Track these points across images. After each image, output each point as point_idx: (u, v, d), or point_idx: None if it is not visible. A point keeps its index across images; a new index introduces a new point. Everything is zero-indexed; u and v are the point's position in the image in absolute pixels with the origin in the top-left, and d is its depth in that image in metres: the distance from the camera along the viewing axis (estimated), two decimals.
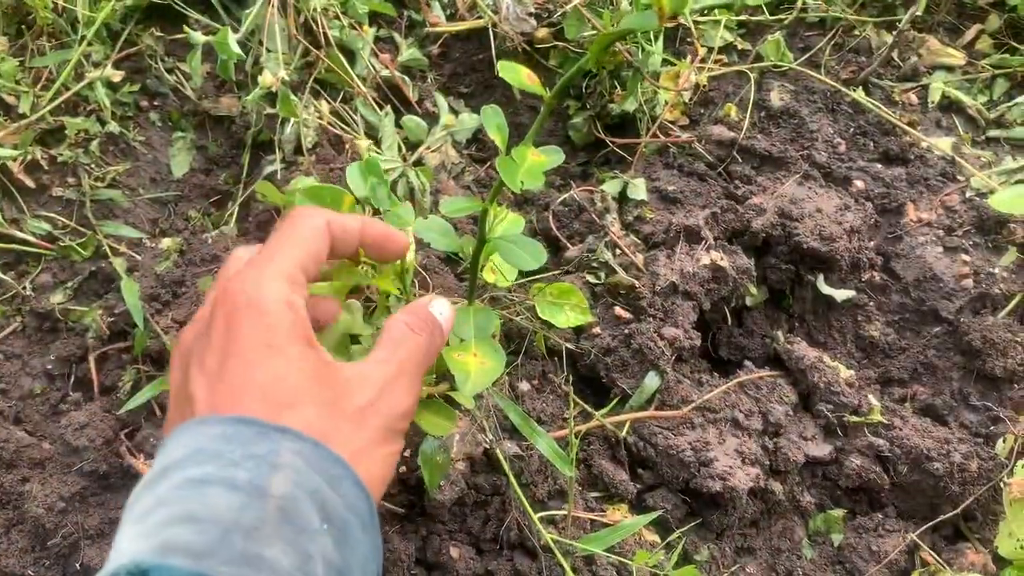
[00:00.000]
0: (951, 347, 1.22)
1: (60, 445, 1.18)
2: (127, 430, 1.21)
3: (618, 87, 1.43)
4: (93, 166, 1.39)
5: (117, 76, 1.41)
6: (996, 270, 1.25)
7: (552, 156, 0.81)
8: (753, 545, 1.11)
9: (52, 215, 1.36)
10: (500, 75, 0.78)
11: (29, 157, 1.35)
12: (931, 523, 1.07)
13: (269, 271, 0.54)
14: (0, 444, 1.18)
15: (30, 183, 1.36)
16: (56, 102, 1.37)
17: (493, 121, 0.80)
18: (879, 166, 1.36)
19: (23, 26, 1.41)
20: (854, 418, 1.13)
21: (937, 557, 1.05)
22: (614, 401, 1.11)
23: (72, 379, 1.29)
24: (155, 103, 1.46)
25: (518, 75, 0.78)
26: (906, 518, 1.11)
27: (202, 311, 0.57)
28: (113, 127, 1.40)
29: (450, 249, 0.86)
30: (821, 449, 1.12)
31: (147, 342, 1.22)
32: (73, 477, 1.15)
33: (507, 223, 0.90)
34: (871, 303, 1.28)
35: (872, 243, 1.28)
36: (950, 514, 1.07)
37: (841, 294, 1.27)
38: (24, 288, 1.33)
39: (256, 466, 0.46)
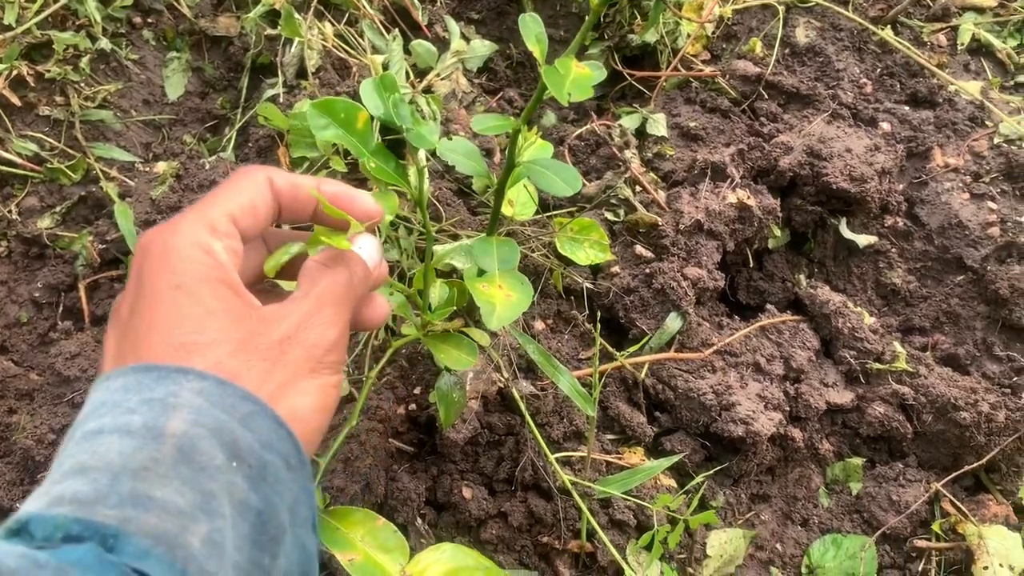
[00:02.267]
0: (975, 296, 1.19)
1: (50, 375, 1.13)
2: None
3: (639, 17, 1.36)
4: (83, 84, 1.32)
5: None
6: None
7: (597, 71, 0.75)
8: (768, 492, 1.09)
9: (39, 135, 1.29)
10: None
11: (15, 72, 1.27)
12: (955, 474, 1.04)
13: (189, 218, 0.50)
14: None
15: (15, 100, 1.28)
16: (43, 14, 1.29)
17: (532, 31, 0.75)
18: (906, 108, 1.31)
19: None
20: (878, 365, 1.09)
21: (960, 506, 1.03)
22: (639, 342, 1.07)
23: (61, 308, 1.24)
24: (149, 20, 1.38)
25: None
26: (927, 468, 1.09)
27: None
28: (104, 44, 1.32)
29: (476, 173, 0.81)
30: (842, 396, 1.09)
31: None
32: (64, 408, 1.10)
33: (536, 148, 0.85)
34: (893, 249, 1.24)
35: (900, 186, 1.24)
36: (974, 465, 1.04)
37: (863, 239, 1.22)
38: (10, 212, 1.26)
39: (150, 409, 0.43)
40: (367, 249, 0.60)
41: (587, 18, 0.70)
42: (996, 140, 1.29)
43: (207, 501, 0.41)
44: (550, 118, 1.39)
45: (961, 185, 1.25)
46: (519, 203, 1.04)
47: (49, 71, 1.29)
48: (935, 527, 1.04)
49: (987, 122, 1.31)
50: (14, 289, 1.24)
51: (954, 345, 1.17)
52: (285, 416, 0.47)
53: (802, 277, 1.19)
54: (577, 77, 0.69)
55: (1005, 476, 1.08)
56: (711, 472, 1.01)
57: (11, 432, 1.10)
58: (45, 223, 1.25)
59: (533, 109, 0.75)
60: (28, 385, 1.15)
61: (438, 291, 0.91)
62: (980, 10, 1.43)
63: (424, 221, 0.78)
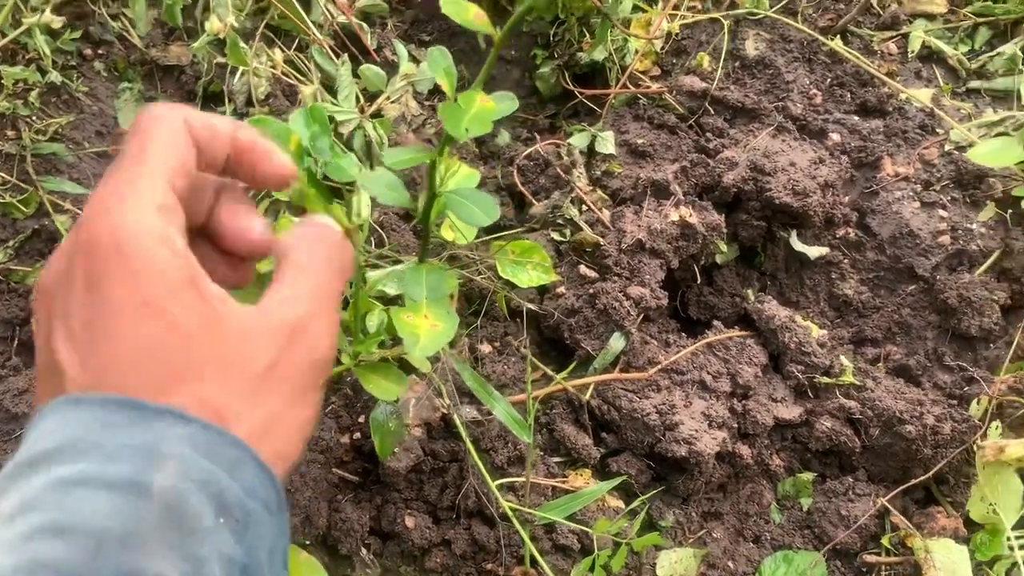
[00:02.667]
0: (926, 305, 1.19)
1: None
2: None
3: (587, 35, 1.36)
4: (34, 118, 1.32)
5: (57, 22, 1.32)
6: (974, 226, 1.22)
7: (504, 103, 0.75)
8: (720, 510, 1.09)
9: None
10: (443, 11, 0.71)
11: None
12: (901, 488, 1.04)
13: (132, 200, 0.42)
14: None
15: None
16: None
17: (440, 65, 0.75)
18: (856, 118, 1.31)
19: None
20: (825, 379, 1.09)
21: (907, 521, 1.02)
22: (574, 364, 1.07)
23: (16, 342, 1.24)
24: (99, 52, 1.39)
25: (464, 11, 0.71)
26: (877, 481, 1.08)
27: (64, 244, 0.45)
28: (54, 77, 1.33)
29: (398, 204, 0.81)
30: (791, 411, 1.09)
31: None
32: (12, 445, 1.10)
33: (461, 177, 0.84)
34: (845, 260, 1.24)
35: (847, 198, 1.24)
36: (921, 478, 1.04)
37: (814, 251, 1.22)
38: None
39: (134, 457, 0.38)
40: (325, 219, 0.53)
41: (491, 52, 0.70)
42: (947, 147, 1.29)
43: (198, 568, 0.37)
44: (504, 137, 1.39)
45: (912, 194, 1.25)
46: (460, 227, 1.04)
47: None
48: (884, 541, 1.04)
49: (938, 129, 1.31)
50: None
51: (906, 356, 1.17)
52: (269, 456, 0.43)
53: (750, 292, 1.19)
54: (480, 111, 0.68)
55: (954, 488, 1.07)
56: (650, 495, 1.01)
57: None
58: None
59: (447, 142, 0.75)
60: None
61: (376, 318, 0.91)
62: (930, 17, 1.43)
63: (355, 245, 0.78)
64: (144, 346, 0.41)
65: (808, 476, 1.09)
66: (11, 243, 1.27)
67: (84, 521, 0.36)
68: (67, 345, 0.42)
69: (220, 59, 1.33)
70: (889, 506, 1.04)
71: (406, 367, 0.99)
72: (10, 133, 1.32)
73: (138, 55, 1.38)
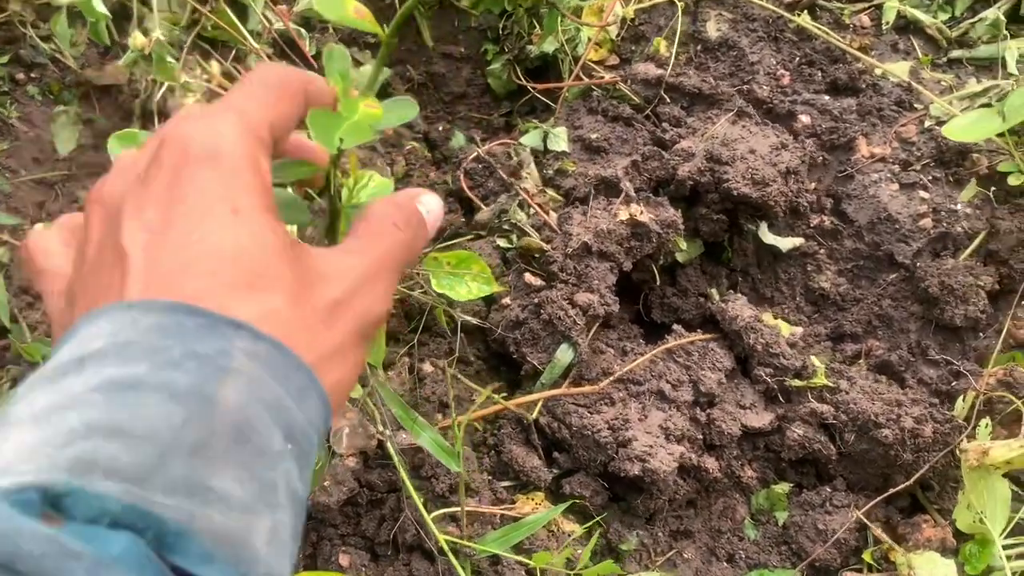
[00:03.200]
0: (908, 295, 1.10)
1: None
2: None
3: (537, 26, 1.29)
4: None
5: None
6: (957, 207, 1.13)
7: (400, 110, 0.67)
8: (690, 527, 1.01)
9: None
10: (317, 9, 0.64)
11: None
12: (880, 497, 0.96)
13: (229, 119, 0.41)
14: None
15: None
16: None
17: (336, 67, 0.67)
18: (827, 98, 1.22)
19: None
20: (796, 382, 1.01)
21: (886, 536, 0.94)
22: (533, 378, 1.00)
23: None
24: (32, 75, 1.34)
25: (341, 9, 0.64)
26: (856, 490, 1.00)
27: (129, 160, 0.44)
28: None
29: (296, 224, 0.74)
30: (761, 418, 1.01)
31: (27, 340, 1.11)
32: None
33: (374, 188, 0.76)
34: (821, 250, 1.16)
35: (818, 183, 1.16)
36: (902, 486, 0.95)
37: (786, 242, 1.14)
38: None
39: (199, 368, 0.35)
40: (434, 211, 0.52)
41: (380, 51, 0.63)
42: (926, 123, 1.20)
43: (269, 492, 0.34)
44: (458, 139, 1.32)
45: (889, 175, 1.16)
46: None
47: None
48: (866, 556, 0.95)
49: (916, 105, 1.22)
50: None
51: (888, 350, 1.08)
52: (329, 388, 0.41)
53: (715, 291, 1.11)
54: (363, 119, 0.60)
55: (941, 494, 0.99)
56: (591, 523, 0.93)
57: None
58: None
59: (338, 157, 0.68)
60: None
61: None
62: None
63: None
64: (223, 247, 0.38)
65: (783, 488, 1.01)
66: None
67: (145, 425, 0.33)
68: (138, 233, 0.39)
69: (154, 74, 1.27)
70: (866, 521, 0.95)
71: None
72: None
73: (73, 76, 1.33)
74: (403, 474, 0.88)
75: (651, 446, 0.92)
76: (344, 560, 0.90)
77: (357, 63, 1.31)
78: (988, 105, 1.17)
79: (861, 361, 1.09)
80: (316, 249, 0.44)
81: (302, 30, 1.30)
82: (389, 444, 0.90)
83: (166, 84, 1.19)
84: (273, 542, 0.33)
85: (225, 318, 0.36)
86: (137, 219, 0.39)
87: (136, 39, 1.17)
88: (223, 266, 0.38)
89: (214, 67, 1.27)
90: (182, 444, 0.32)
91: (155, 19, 1.23)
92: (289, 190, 0.75)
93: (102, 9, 1.17)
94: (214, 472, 0.33)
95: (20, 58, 1.32)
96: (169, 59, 1.19)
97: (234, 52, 1.29)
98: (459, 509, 0.91)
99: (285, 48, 1.30)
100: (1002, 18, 1.27)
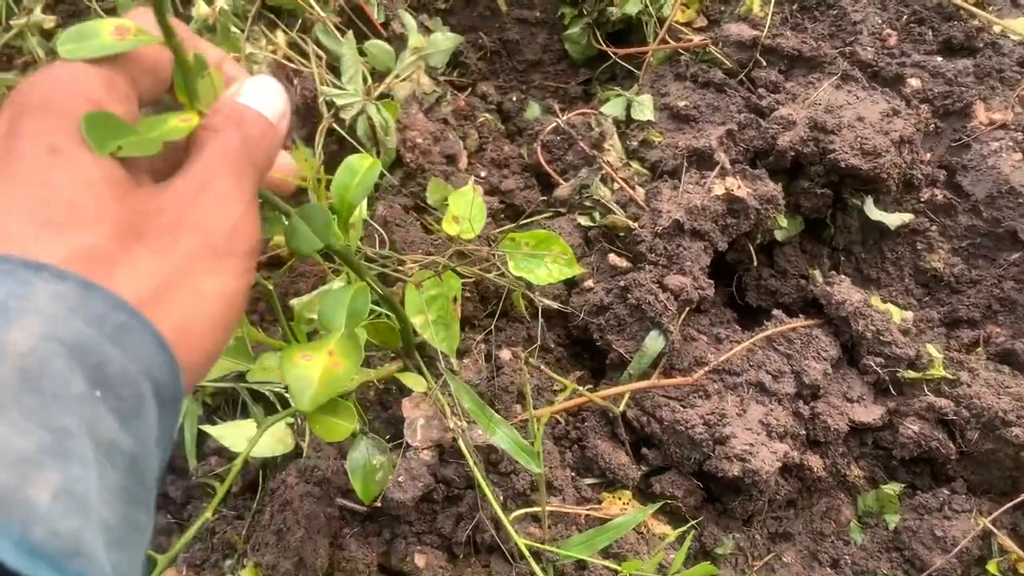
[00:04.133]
0: None
1: None
2: None
3: None
4: None
5: (50, 22, 1.24)
6: None
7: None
8: (790, 529, 0.93)
9: None
10: None
11: None
12: (1012, 503, 0.86)
13: (81, 67, 0.40)
14: None
15: None
16: None
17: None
18: (939, 59, 1.11)
19: None
20: (910, 373, 0.92)
21: (1015, 546, 0.85)
22: (619, 368, 0.92)
23: None
24: None
25: None
26: (979, 494, 0.91)
27: None
28: None
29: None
30: (870, 413, 0.92)
31: None
32: None
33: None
34: (933, 227, 1.05)
35: (931, 155, 1.05)
36: None
37: (894, 219, 1.04)
38: None
39: None
40: (263, 96, 0.47)
41: None
42: None
43: (60, 441, 0.31)
44: (533, 110, 1.24)
45: (1011, 144, 1.05)
46: (465, 219, 0.90)
47: None
48: (991, 567, 0.86)
49: None
50: None
51: (1011, 338, 0.98)
52: (173, 328, 0.38)
53: (817, 272, 1.02)
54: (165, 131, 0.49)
55: None
56: (685, 527, 0.86)
57: None
58: None
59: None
60: None
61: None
62: None
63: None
64: (37, 187, 0.37)
65: (894, 488, 0.92)
66: None
67: None
68: None
69: (218, 45, 1.22)
70: (993, 528, 0.86)
71: (411, 381, 0.87)
72: None
73: None
74: (478, 474, 0.82)
75: (752, 444, 0.84)
76: (420, 561, 0.84)
77: (427, 30, 1.24)
78: None
79: (980, 349, 0.99)
80: (150, 184, 0.42)
81: None
82: (461, 441, 0.84)
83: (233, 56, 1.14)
84: (63, 498, 0.30)
85: (26, 261, 0.34)
86: None
87: (200, 9, 1.12)
88: (34, 207, 0.36)
89: (279, 37, 1.21)
90: None
91: None
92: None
93: None
94: None
95: None
96: (234, 30, 1.13)
97: (300, 21, 1.23)
98: (540, 509, 0.84)
99: (352, 16, 1.24)
100: None
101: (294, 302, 0.87)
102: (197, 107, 0.45)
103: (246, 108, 0.45)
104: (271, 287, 0.61)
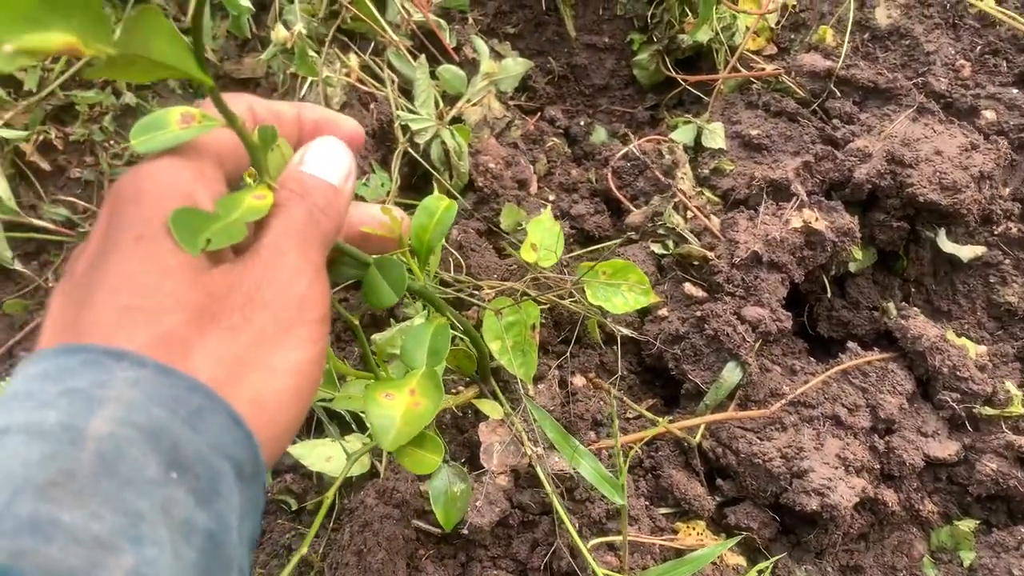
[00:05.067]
0: None
1: None
2: None
3: (689, 14, 1.21)
4: (110, 143, 1.28)
5: None
6: None
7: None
8: (861, 563, 0.92)
9: (71, 199, 1.26)
10: None
11: (41, 137, 1.25)
12: None
13: (171, 160, 0.43)
14: None
15: (45, 165, 1.26)
16: (65, 75, 1.25)
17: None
18: (1015, 91, 1.10)
19: None
20: (987, 410, 0.91)
21: None
22: (694, 398, 0.93)
23: None
24: None
25: None
26: None
27: None
28: (129, 98, 1.28)
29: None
30: (946, 448, 0.91)
31: None
32: None
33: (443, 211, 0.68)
34: (1007, 261, 1.05)
35: (1008, 189, 1.05)
36: None
37: (968, 251, 1.04)
38: (46, 280, 1.24)
39: (71, 403, 0.35)
40: (326, 162, 0.49)
41: None
42: None
43: (134, 525, 0.33)
44: (599, 135, 1.26)
45: None
46: (543, 247, 0.91)
47: (75, 132, 1.26)
48: None
49: None
50: None
51: None
52: (248, 404, 0.39)
53: (891, 305, 1.02)
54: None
55: None
56: (765, 564, 0.86)
57: None
58: None
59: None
60: None
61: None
62: None
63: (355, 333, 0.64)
64: (121, 274, 0.39)
65: (969, 525, 0.92)
66: None
67: (2, 469, 0.32)
68: (58, 293, 0.41)
69: (294, 68, 1.25)
70: None
71: (487, 408, 0.88)
72: (88, 159, 1.28)
73: (212, 69, 1.32)
74: (556, 502, 0.83)
75: (830, 478, 0.85)
76: None
77: (498, 55, 1.25)
78: None
79: None
80: (231, 258, 0.43)
81: (442, 21, 1.25)
82: (539, 468, 0.85)
83: (309, 79, 1.16)
84: None
85: (108, 349, 0.36)
86: (68, 276, 0.41)
87: (279, 32, 1.15)
88: (117, 295, 0.38)
89: (352, 60, 1.23)
90: (33, 481, 0.32)
91: (295, 11, 1.20)
92: None
93: (245, 2, 1.16)
94: (68, 506, 0.31)
95: None
96: (311, 53, 1.16)
97: (372, 44, 1.25)
98: (617, 539, 0.85)
99: (424, 40, 1.26)
100: None
101: (375, 337, 0.88)
102: (268, 181, 0.46)
103: (310, 178, 0.47)
104: (356, 321, 0.62)
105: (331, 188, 0.47)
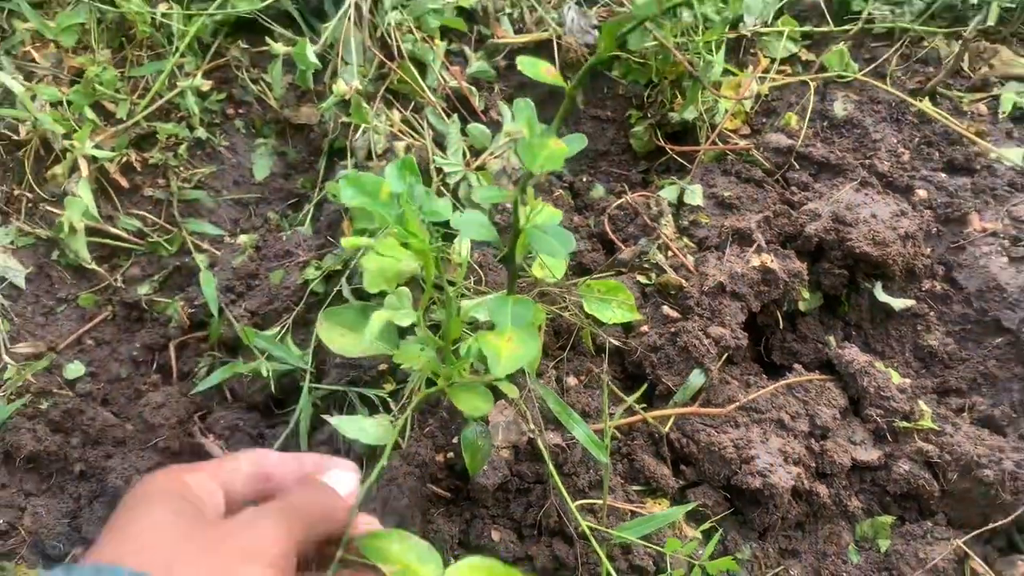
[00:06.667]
0: (1012, 358, 1.20)
1: (138, 423, 1.27)
2: (200, 413, 1.29)
3: (679, 96, 1.45)
4: (181, 168, 1.50)
5: (206, 85, 1.51)
6: None
7: (574, 143, 0.84)
8: (798, 548, 1.11)
9: (143, 213, 1.47)
10: (520, 68, 0.82)
11: (124, 159, 1.46)
12: (976, 532, 1.05)
13: (176, 470, 0.63)
14: (87, 423, 1.27)
15: (124, 183, 1.47)
16: (150, 109, 1.48)
17: (524, 114, 0.85)
18: (943, 175, 1.34)
19: (125, 39, 1.53)
20: (904, 424, 1.12)
21: (987, 567, 1.03)
22: (641, 391, 1.13)
23: (155, 365, 1.39)
24: (240, 111, 1.56)
25: (537, 69, 0.82)
26: (956, 526, 1.09)
27: None
28: (201, 133, 1.50)
29: (486, 239, 0.90)
30: (870, 454, 1.11)
31: (221, 330, 1.31)
32: (149, 452, 1.23)
33: (545, 215, 0.92)
34: (931, 312, 1.26)
35: (931, 251, 1.27)
36: (1000, 523, 1.05)
37: (899, 303, 1.25)
38: (116, 280, 1.43)
39: None
40: (340, 482, 0.72)
41: (564, 101, 0.79)
42: None
43: None
44: (599, 190, 1.48)
45: (999, 249, 1.27)
46: (549, 265, 1.12)
47: (153, 157, 1.48)
48: None
49: None
50: (116, 348, 1.40)
51: (991, 407, 1.18)
52: None
53: (832, 339, 1.23)
54: (552, 152, 0.77)
55: None
56: (725, 522, 1.05)
57: (105, 474, 1.23)
58: (144, 290, 1.42)
59: (527, 180, 0.85)
60: (123, 434, 1.29)
61: (466, 345, 1.00)
62: (1022, 79, 1.45)
63: (436, 277, 0.87)
64: (126, 535, 0.55)
65: (887, 519, 1.11)
66: (156, 277, 1.44)
67: None
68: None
69: (344, 118, 1.48)
70: (968, 550, 1.04)
71: (497, 394, 1.08)
72: (160, 181, 1.49)
73: (273, 115, 1.55)
74: (551, 467, 1.02)
75: (771, 464, 1.04)
76: (495, 536, 1.03)
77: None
78: None
79: (965, 414, 1.19)
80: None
81: (472, 88, 1.49)
82: (539, 440, 1.05)
83: (362, 127, 1.39)
84: None
85: (111, 566, 0.51)
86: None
87: (339, 86, 1.38)
88: (124, 542, 0.54)
89: (395, 115, 1.47)
90: None
91: (353, 71, 1.44)
92: (482, 215, 0.92)
93: (314, 60, 1.39)
94: None
95: (232, 96, 1.55)
96: (364, 105, 1.39)
97: (413, 103, 1.49)
98: (596, 503, 1.04)
99: (456, 103, 1.50)
100: None
101: (464, 304, 1.09)
102: None
103: (321, 483, 0.70)
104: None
105: (333, 494, 0.69)
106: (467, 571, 0.83)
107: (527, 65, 0.81)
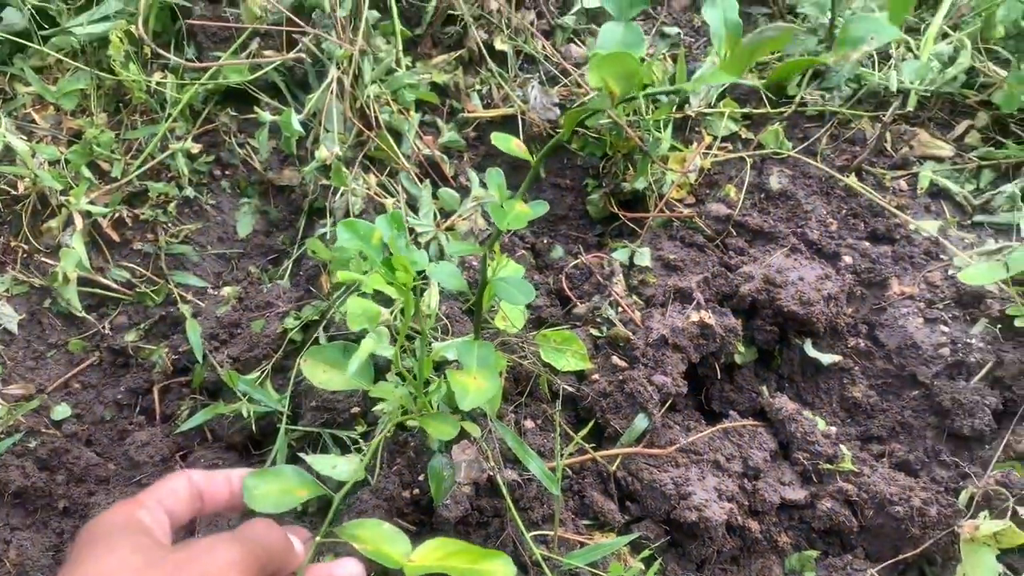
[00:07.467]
0: (926, 408, 1.33)
1: (123, 460, 1.35)
2: (182, 452, 1.38)
3: (631, 168, 1.60)
4: (170, 224, 1.61)
5: (196, 148, 1.63)
6: (972, 340, 1.36)
7: (537, 208, 0.97)
8: None
9: (132, 265, 1.57)
10: (494, 143, 0.95)
11: (117, 215, 1.57)
12: (889, 562, 1.16)
13: (122, 503, 0.71)
14: (72, 461, 1.36)
15: (116, 237, 1.57)
16: (143, 169, 1.59)
17: (495, 181, 0.98)
18: (867, 244, 1.49)
19: (121, 104, 1.65)
20: (828, 466, 1.24)
21: None
22: (589, 427, 1.24)
23: (138, 408, 1.48)
24: (226, 172, 1.68)
25: (508, 143, 0.95)
26: (873, 559, 1.20)
27: None
28: (189, 192, 1.62)
29: (457, 288, 1.02)
30: (797, 493, 1.23)
31: (204, 375, 1.40)
32: (132, 489, 1.32)
33: (509, 269, 1.05)
34: (856, 367, 1.40)
35: (855, 312, 1.41)
36: (909, 554, 1.16)
37: (827, 358, 1.39)
38: (103, 327, 1.52)
39: None
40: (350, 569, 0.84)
41: (530, 171, 0.92)
42: (950, 272, 1.45)
43: None
44: (557, 251, 1.61)
45: (916, 311, 1.41)
46: (510, 317, 1.24)
47: (144, 214, 1.58)
48: None
49: (942, 256, 1.48)
50: (101, 392, 1.48)
51: (907, 452, 1.30)
52: None
53: (765, 389, 1.35)
54: (518, 214, 0.90)
55: (943, 568, 1.19)
56: (659, 544, 1.16)
57: (88, 510, 1.31)
58: (131, 337, 1.51)
59: (496, 238, 0.97)
60: (106, 473, 1.37)
61: (435, 384, 1.11)
62: (939, 159, 1.62)
63: (424, 336, 0.99)
64: (89, 570, 0.62)
65: (812, 553, 1.22)
66: (142, 326, 1.53)
67: None
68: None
69: (324, 181, 1.60)
70: None
71: (461, 434, 1.19)
72: (149, 236, 1.60)
73: (257, 176, 1.67)
74: (509, 502, 1.13)
75: (707, 500, 1.15)
76: None
77: (484, 185, 1.62)
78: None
79: (884, 459, 1.31)
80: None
81: (444, 156, 1.63)
82: (499, 477, 1.15)
83: (340, 189, 1.51)
84: None
85: None
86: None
87: (321, 152, 1.51)
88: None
89: (372, 179, 1.59)
90: None
91: (333, 138, 1.56)
92: (453, 266, 1.04)
93: (298, 128, 1.52)
94: None
95: (219, 159, 1.67)
96: (344, 170, 1.51)
97: (388, 168, 1.62)
98: (549, 533, 1.14)
99: (428, 169, 1.63)
100: (1019, 192, 1.54)
101: (435, 345, 1.19)
102: None
103: (280, 531, 0.78)
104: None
105: (286, 541, 0.78)
106: (435, 548, 0.93)
107: (500, 140, 0.94)
